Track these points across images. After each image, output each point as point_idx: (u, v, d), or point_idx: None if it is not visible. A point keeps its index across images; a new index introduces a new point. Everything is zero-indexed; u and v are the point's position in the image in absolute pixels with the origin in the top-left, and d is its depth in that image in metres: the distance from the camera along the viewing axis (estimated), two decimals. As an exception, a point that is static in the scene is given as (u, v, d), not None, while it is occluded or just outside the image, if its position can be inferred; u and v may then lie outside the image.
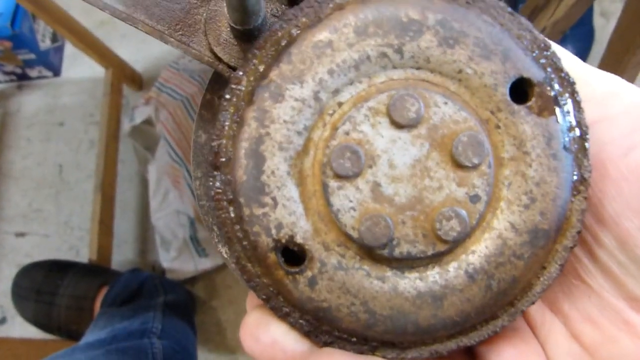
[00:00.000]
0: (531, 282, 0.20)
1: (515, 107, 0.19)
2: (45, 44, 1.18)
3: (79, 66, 1.22)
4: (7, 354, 0.75)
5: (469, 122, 0.19)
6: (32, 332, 0.93)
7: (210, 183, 0.20)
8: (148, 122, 1.08)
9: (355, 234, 0.19)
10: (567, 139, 0.19)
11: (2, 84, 1.23)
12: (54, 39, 1.22)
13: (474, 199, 0.19)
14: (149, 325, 0.74)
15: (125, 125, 1.06)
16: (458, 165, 0.19)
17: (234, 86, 0.20)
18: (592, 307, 0.21)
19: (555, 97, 0.19)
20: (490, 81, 0.19)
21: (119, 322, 0.75)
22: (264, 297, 0.20)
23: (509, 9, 0.20)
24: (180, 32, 0.25)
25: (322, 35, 0.19)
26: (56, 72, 1.22)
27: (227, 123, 0.20)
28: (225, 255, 0.28)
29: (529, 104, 0.19)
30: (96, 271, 0.92)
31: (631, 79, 0.60)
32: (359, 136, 0.19)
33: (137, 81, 1.18)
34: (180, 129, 1.03)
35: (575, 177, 0.20)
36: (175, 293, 0.89)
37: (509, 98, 0.19)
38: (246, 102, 0.19)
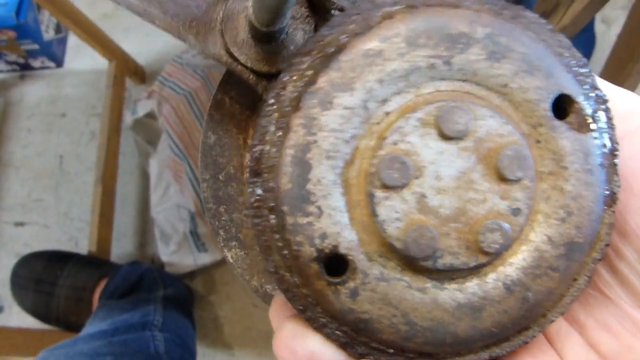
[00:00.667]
0: (562, 293, 0.21)
1: (556, 122, 0.19)
2: (49, 34, 1.18)
3: (82, 58, 1.22)
4: (5, 344, 0.76)
5: (514, 136, 0.19)
6: (29, 322, 0.93)
7: (250, 190, 0.20)
8: (150, 115, 1.08)
9: (400, 245, 0.19)
10: (601, 155, 0.20)
11: (4, 73, 1.23)
12: (58, 30, 1.22)
13: (516, 212, 0.19)
14: (150, 317, 0.75)
15: (128, 118, 1.07)
16: (502, 178, 0.19)
17: (279, 91, 0.20)
18: (610, 316, 0.22)
19: (593, 114, 0.20)
20: (533, 96, 0.19)
21: (119, 314, 0.75)
22: (300, 307, 0.20)
23: (550, 26, 0.20)
24: (195, 30, 0.25)
25: (373, 43, 0.19)
26: (59, 63, 1.22)
27: (271, 129, 0.19)
28: (231, 260, 0.27)
29: (568, 120, 0.20)
30: (95, 263, 0.92)
31: (634, 86, 0.61)
32: (407, 147, 0.18)
33: (140, 74, 1.18)
34: (182, 123, 1.03)
35: (606, 192, 0.20)
36: (174, 287, 0.89)
37: (550, 113, 0.19)
38: (292, 107, 0.19)
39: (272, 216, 0.19)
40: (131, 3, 0.24)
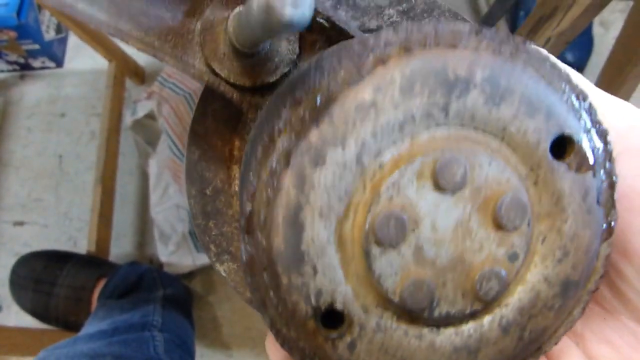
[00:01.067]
0: (557, 326, 0.21)
1: (555, 164, 0.19)
2: (49, 34, 1.19)
3: (82, 58, 1.22)
4: (4, 343, 0.76)
5: (512, 182, 0.19)
6: (28, 321, 0.93)
7: (243, 247, 0.19)
8: (150, 116, 1.08)
9: (397, 299, 0.18)
10: (600, 192, 0.20)
11: (5, 73, 1.23)
12: (58, 30, 1.22)
13: (513, 257, 0.19)
14: (150, 318, 0.75)
15: (127, 119, 1.07)
16: (499, 226, 0.19)
17: (267, 144, 0.19)
18: (608, 328, 0.22)
19: (593, 151, 0.19)
20: (532, 138, 0.19)
21: (119, 314, 0.75)
22: (298, 358, 0.20)
23: (550, 59, 0.20)
24: (172, 43, 0.23)
25: (366, 95, 0.18)
26: (59, 63, 1.22)
27: (260, 186, 0.19)
28: (224, 274, 0.27)
29: (568, 160, 0.19)
30: (95, 263, 0.92)
31: (631, 90, 0.61)
32: (402, 201, 0.18)
33: (140, 75, 1.18)
34: (182, 123, 1.03)
35: (604, 227, 0.20)
36: (173, 287, 0.89)
37: (549, 154, 0.19)
38: (282, 164, 0.18)
39: (266, 274, 0.19)
40: (100, 20, 0.22)
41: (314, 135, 0.18)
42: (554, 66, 0.19)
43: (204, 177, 0.28)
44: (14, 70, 1.23)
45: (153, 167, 1.02)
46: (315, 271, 0.18)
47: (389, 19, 0.27)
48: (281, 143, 0.18)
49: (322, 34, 0.26)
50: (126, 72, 1.14)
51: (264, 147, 0.19)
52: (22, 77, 1.24)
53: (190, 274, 1.00)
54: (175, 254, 0.96)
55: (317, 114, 0.18)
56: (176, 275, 0.97)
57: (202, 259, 0.97)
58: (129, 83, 1.16)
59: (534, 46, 0.19)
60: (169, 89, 1.06)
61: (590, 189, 0.19)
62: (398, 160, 0.18)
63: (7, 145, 1.19)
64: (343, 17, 0.25)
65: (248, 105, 0.25)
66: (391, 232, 0.18)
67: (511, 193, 0.18)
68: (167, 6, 0.23)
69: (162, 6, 0.23)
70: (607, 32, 1.10)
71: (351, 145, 0.18)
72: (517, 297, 0.20)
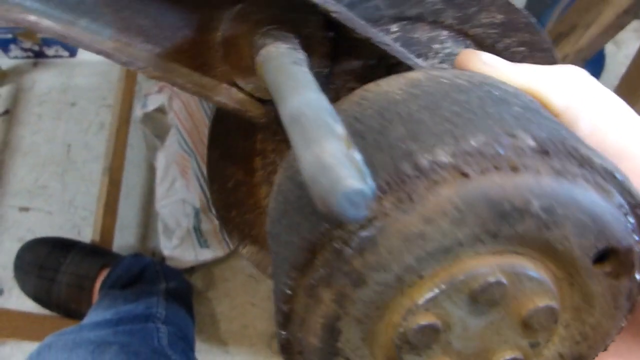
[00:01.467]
0: None
1: (594, 270, 0.19)
2: (64, 23, 1.19)
3: (95, 48, 1.23)
4: (5, 326, 0.76)
5: (548, 292, 0.19)
6: (28, 306, 0.94)
7: (279, 334, 0.20)
8: (160, 109, 1.09)
9: None
10: (632, 291, 0.20)
11: (19, 59, 1.24)
12: (74, 19, 1.23)
13: (534, 345, 0.19)
14: (154, 310, 0.75)
15: (137, 111, 1.07)
16: (527, 326, 0.19)
17: (302, 249, 0.18)
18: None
19: (634, 261, 0.19)
20: (578, 253, 0.18)
21: (123, 305, 0.75)
22: None
23: (619, 175, 0.18)
24: (188, 54, 0.22)
25: (415, 226, 0.17)
26: (72, 52, 1.23)
27: (298, 291, 0.19)
28: (246, 256, 0.28)
29: (608, 268, 0.19)
30: (98, 252, 0.92)
31: (642, 110, 0.61)
32: (438, 311, 0.18)
33: (152, 68, 1.19)
34: (192, 119, 1.04)
35: (627, 307, 0.20)
36: (175, 281, 0.89)
37: (591, 264, 0.18)
38: (323, 283, 0.18)
39: (301, 357, 0.20)
40: (101, 48, 0.20)
41: (358, 263, 0.17)
42: (613, 178, 0.18)
43: (226, 173, 0.28)
44: (28, 57, 1.24)
45: (161, 160, 1.03)
46: None
47: (432, 6, 0.26)
48: (321, 261, 0.18)
49: (357, 56, 0.25)
50: (139, 64, 1.14)
51: (300, 252, 0.18)
52: (35, 65, 1.25)
53: (191, 269, 1.00)
54: (178, 248, 0.96)
55: (362, 244, 0.17)
56: (178, 269, 0.98)
57: (205, 255, 0.97)
58: (140, 76, 1.17)
59: (599, 161, 0.18)
60: (181, 84, 1.07)
61: (622, 291, 0.19)
62: (440, 275, 0.18)
63: (17, 130, 1.19)
64: (386, 40, 0.23)
65: (270, 117, 0.24)
66: (424, 338, 0.18)
67: (545, 304, 0.18)
68: (181, 15, 0.22)
69: (175, 15, 0.21)
70: (619, 50, 1.10)
71: (394, 269, 0.17)
72: None
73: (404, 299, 0.18)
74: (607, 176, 0.18)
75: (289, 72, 0.19)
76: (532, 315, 0.18)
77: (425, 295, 0.18)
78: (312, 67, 0.21)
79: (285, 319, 0.19)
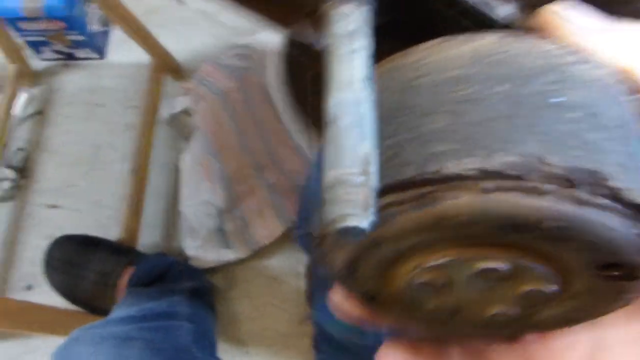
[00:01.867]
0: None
1: (602, 274, 0.19)
2: (94, 27, 1.23)
3: (123, 51, 1.26)
4: (34, 320, 0.79)
5: (550, 281, 0.20)
6: (55, 301, 0.96)
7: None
8: (186, 112, 1.11)
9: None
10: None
11: (50, 62, 1.28)
12: (103, 23, 1.26)
13: (530, 308, 0.21)
14: (177, 308, 0.77)
15: (164, 113, 1.10)
16: (525, 300, 0.20)
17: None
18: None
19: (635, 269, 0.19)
20: (582, 265, 0.19)
21: (147, 302, 0.77)
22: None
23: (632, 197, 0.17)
24: None
25: (428, 219, 0.18)
26: (101, 55, 1.26)
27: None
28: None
29: (615, 274, 0.19)
30: (124, 250, 0.95)
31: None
32: (443, 273, 0.20)
33: (178, 71, 1.21)
34: (216, 122, 1.06)
35: None
36: (199, 280, 0.91)
37: (599, 271, 0.19)
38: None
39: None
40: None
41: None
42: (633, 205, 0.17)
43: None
44: (59, 59, 1.27)
45: (186, 162, 1.05)
46: None
47: None
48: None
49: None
50: (165, 67, 1.17)
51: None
52: (66, 67, 1.28)
53: (213, 269, 1.02)
54: (202, 248, 0.98)
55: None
56: (200, 269, 0.99)
57: (227, 256, 0.99)
58: (166, 78, 1.19)
59: (629, 196, 0.17)
60: (206, 87, 1.09)
61: (629, 289, 0.20)
62: (449, 251, 0.19)
63: (47, 130, 1.23)
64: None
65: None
66: (428, 290, 0.20)
67: (544, 288, 0.20)
68: None
69: None
70: None
71: (405, 244, 0.19)
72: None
73: (413, 260, 0.20)
74: (635, 210, 0.17)
75: (344, 63, 0.20)
76: (529, 293, 0.20)
77: (432, 262, 0.19)
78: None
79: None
